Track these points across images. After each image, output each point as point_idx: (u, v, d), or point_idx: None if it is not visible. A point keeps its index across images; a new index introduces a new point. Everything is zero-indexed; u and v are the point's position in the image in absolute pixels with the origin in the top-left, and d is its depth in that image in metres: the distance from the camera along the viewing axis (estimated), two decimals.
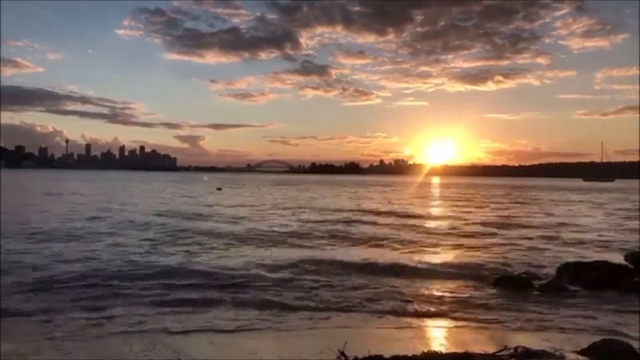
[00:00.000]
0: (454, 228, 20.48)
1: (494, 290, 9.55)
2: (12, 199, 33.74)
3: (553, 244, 15.86)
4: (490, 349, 6.15)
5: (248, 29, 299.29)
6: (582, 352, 6.13)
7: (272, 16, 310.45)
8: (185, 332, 6.93)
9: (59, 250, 13.07)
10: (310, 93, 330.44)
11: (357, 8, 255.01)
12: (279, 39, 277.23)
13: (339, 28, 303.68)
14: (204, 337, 6.81)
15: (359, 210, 29.25)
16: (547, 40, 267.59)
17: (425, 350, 6.14)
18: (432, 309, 8.26)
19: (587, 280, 9.80)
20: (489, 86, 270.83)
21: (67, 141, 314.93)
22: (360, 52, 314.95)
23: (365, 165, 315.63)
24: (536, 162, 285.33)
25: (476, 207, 33.99)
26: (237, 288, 9.39)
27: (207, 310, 7.97)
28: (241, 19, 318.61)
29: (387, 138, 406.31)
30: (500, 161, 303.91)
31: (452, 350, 6.12)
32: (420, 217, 25.78)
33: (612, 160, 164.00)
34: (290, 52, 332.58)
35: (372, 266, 11.78)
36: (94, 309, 7.83)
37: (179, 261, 11.99)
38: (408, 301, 8.70)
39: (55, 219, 20.88)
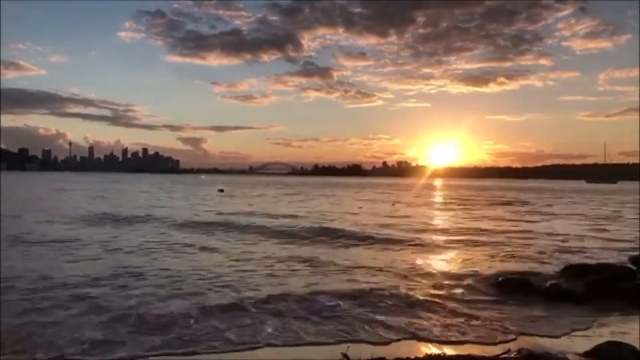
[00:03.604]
0: (459, 232, 20.43)
1: (497, 292, 9.51)
2: None
3: (556, 247, 15.80)
4: (494, 351, 6.13)
5: (249, 31, 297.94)
6: (586, 355, 6.10)
7: (273, 18, 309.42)
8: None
9: None
10: (312, 95, 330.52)
11: (358, 9, 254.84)
12: (280, 40, 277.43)
13: (340, 30, 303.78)
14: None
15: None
16: (550, 42, 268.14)
17: (428, 353, 6.13)
18: (434, 311, 8.23)
19: (590, 282, 9.75)
20: (492, 87, 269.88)
21: (70, 143, 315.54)
22: (362, 54, 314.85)
23: (368, 167, 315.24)
24: (539, 164, 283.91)
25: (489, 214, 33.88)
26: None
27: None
28: (242, 20, 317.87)
29: (390, 140, 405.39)
30: (503, 163, 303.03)
31: (455, 353, 6.10)
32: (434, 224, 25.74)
33: (615, 162, 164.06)
34: (292, 54, 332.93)
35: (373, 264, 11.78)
36: None
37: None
38: (409, 304, 8.67)
39: None
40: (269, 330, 7.08)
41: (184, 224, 20.78)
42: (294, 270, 11.41)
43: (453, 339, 6.91)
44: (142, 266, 11.32)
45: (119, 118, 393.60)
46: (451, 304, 8.68)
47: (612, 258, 13.24)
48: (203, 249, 14.46)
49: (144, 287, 9.29)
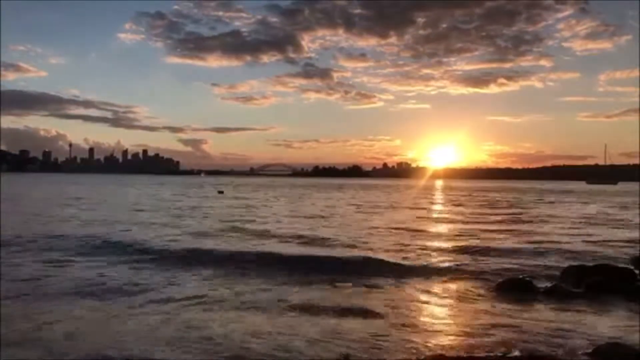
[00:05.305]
0: (464, 231, 20.43)
1: (498, 294, 9.53)
2: None
3: (557, 248, 15.80)
4: (495, 352, 6.14)
5: (250, 32, 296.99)
6: (587, 355, 6.11)
7: (273, 19, 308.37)
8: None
9: None
10: (312, 96, 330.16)
11: (358, 11, 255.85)
12: (280, 42, 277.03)
13: (340, 31, 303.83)
14: None
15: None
16: (550, 42, 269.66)
17: (429, 354, 6.14)
18: (435, 313, 8.25)
19: (590, 283, 9.77)
20: (492, 89, 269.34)
21: (70, 145, 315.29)
22: (362, 55, 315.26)
23: (369, 168, 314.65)
24: (540, 165, 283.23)
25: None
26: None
27: None
28: (242, 22, 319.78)
29: (390, 141, 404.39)
30: (503, 164, 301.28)
31: (456, 354, 6.12)
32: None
33: (616, 162, 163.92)
34: (292, 55, 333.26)
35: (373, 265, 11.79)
36: None
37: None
38: (411, 305, 8.69)
39: None
40: None
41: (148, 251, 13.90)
42: None
43: (454, 339, 6.93)
44: None
45: (119, 119, 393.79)
46: (450, 305, 8.71)
47: (612, 259, 13.23)
48: None
49: None
